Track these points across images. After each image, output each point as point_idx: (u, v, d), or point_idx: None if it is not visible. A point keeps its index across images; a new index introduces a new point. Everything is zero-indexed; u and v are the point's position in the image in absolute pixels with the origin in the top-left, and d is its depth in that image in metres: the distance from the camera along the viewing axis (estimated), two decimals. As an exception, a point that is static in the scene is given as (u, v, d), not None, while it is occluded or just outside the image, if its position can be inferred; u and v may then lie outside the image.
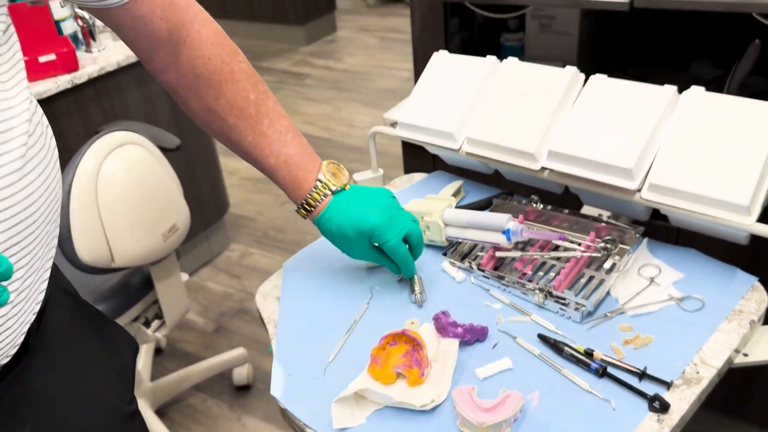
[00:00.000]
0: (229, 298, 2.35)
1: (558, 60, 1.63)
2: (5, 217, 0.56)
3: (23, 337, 0.64)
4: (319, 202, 0.86)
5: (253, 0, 4.65)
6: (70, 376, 0.73)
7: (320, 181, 0.86)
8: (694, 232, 0.90)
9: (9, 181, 0.56)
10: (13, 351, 0.63)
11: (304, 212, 0.87)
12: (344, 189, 0.87)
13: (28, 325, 0.65)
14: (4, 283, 0.46)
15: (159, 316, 1.65)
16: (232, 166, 3.19)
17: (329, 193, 0.86)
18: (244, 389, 1.95)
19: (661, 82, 0.89)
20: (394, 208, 0.86)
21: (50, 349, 0.71)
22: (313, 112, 3.70)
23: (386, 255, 0.87)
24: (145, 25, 0.75)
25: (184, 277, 1.73)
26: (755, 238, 0.84)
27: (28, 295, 0.63)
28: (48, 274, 0.69)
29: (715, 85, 1.43)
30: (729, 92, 1.25)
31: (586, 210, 1.05)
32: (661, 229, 1.08)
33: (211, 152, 2.42)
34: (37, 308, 0.67)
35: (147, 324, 1.63)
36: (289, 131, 0.87)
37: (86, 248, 1.33)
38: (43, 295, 0.68)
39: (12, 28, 0.61)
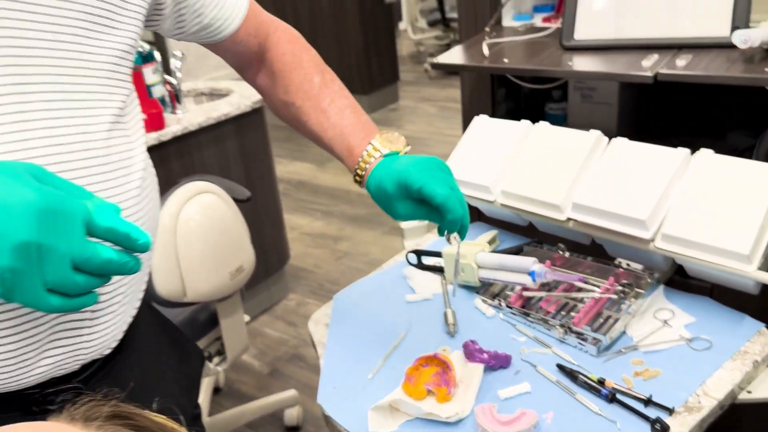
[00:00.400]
0: (285, 344, 2.48)
1: (599, 128, 1.74)
2: None
3: (123, 334, 0.78)
4: (369, 164, 0.85)
5: (322, 71, 4.98)
6: (150, 375, 0.87)
7: (372, 145, 0.86)
8: (726, 289, 0.98)
9: (131, 203, 0.72)
10: (114, 344, 0.77)
11: (359, 178, 0.87)
12: (396, 153, 0.86)
13: (126, 325, 0.79)
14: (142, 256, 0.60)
15: (221, 352, 1.79)
16: (294, 222, 3.39)
17: (379, 156, 0.85)
18: (293, 430, 2.05)
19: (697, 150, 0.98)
20: (436, 167, 0.80)
21: (137, 350, 0.85)
22: (373, 174, 3.89)
23: (429, 207, 0.80)
24: (243, 46, 0.91)
25: (246, 318, 1.88)
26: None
27: (131, 300, 0.78)
28: (144, 287, 0.84)
29: (748, 153, 1.51)
30: (757, 159, 1.33)
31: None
32: (695, 287, 1.15)
33: (276, 208, 2.61)
34: (135, 312, 0.81)
35: (209, 358, 1.77)
36: (348, 107, 0.90)
37: (163, 282, 1.50)
38: (140, 302, 0.82)
39: (134, 90, 0.78)
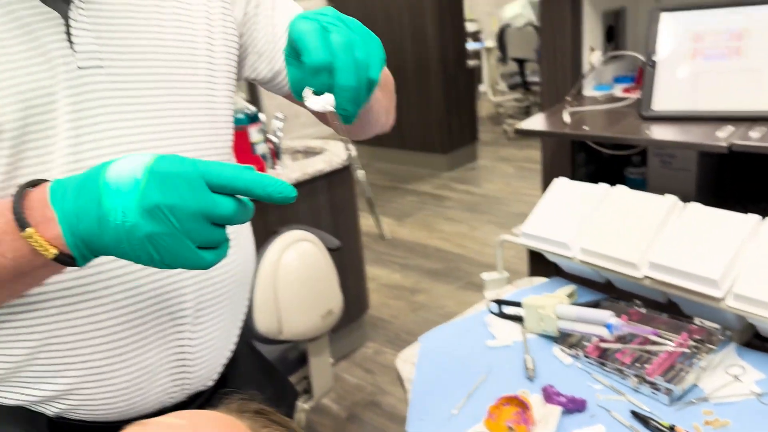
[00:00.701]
0: (362, 390, 2.58)
1: (678, 193, 1.80)
2: (223, 271, 0.81)
3: (222, 368, 0.87)
4: None
5: (405, 132, 5.21)
6: None
7: None
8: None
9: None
10: (216, 376, 0.86)
11: None
12: None
13: (225, 360, 0.87)
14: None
15: (307, 390, 1.92)
16: (373, 273, 3.52)
17: None
18: (369, 473, 2.13)
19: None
20: (327, 10, 0.63)
21: (238, 386, 0.90)
22: (450, 230, 4.00)
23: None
24: None
25: (330, 360, 2.00)
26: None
27: (227, 336, 0.86)
28: (240, 325, 0.91)
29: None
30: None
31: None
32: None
33: (359, 259, 2.76)
34: (233, 347, 0.89)
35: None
36: None
37: (262, 320, 1.65)
38: (236, 338, 0.90)
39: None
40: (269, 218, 2.32)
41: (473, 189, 4.70)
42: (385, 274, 3.57)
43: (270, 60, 0.87)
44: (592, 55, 1.70)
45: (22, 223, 0.56)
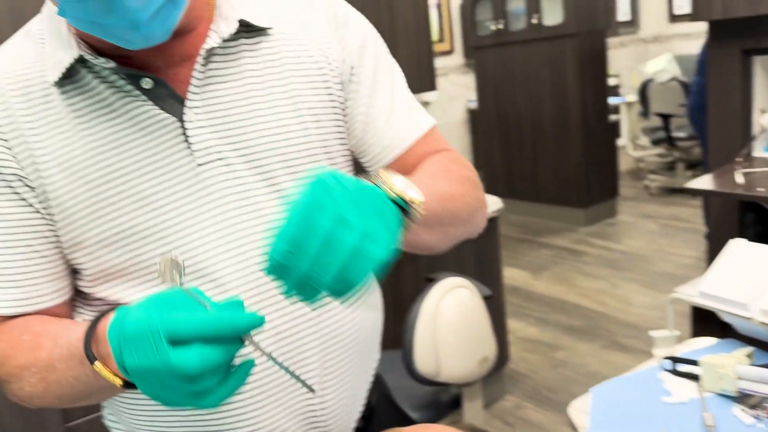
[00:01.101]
0: (503, 442, 2.58)
1: None
2: (345, 333, 0.84)
3: (356, 422, 0.90)
4: None
5: (540, 185, 5.21)
6: None
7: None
8: None
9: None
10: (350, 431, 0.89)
11: None
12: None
13: (358, 414, 0.91)
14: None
15: (455, 435, 1.97)
16: (510, 326, 3.53)
17: None
18: None
19: None
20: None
21: None
22: (589, 286, 3.93)
23: None
24: None
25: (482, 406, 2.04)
26: None
27: (356, 393, 0.90)
28: (371, 379, 0.94)
29: None
30: None
31: None
32: None
33: (500, 310, 2.81)
34: (363, 401, 0.92)
35: (446, 439, 1.96)
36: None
37: (421, 362, 1.74)
38: (367, 392, 0.93)
39: None
40: (419, 264, 2.44)
41: (612, 245, 4.59)
42: (521, 327, 3.56)
43: (363, 145, 0.85)
44: (763, 117, 1.68)
45: (90, 357, 0.62)
